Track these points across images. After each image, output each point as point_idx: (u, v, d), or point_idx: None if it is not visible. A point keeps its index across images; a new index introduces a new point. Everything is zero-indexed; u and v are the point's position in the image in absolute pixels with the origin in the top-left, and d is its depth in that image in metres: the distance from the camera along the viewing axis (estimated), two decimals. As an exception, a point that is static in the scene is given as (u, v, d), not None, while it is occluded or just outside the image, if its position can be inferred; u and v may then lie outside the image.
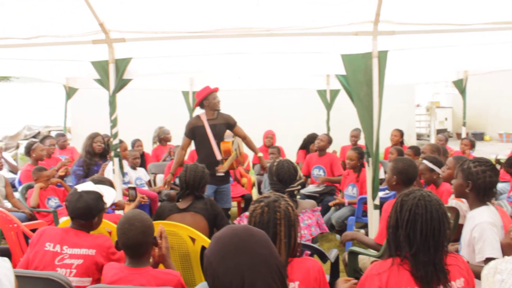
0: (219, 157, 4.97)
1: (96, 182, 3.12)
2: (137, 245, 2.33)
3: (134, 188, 4.01)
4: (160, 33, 4.21)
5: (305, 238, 3.16)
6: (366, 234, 5.42)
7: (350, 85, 4.16)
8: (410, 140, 12.49)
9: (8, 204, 5.44)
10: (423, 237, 1.94)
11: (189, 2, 3.92)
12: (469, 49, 5.00)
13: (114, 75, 4.40)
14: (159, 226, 2.61)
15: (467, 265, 2.06)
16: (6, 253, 3.86)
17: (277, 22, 4.03)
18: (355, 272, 3.49)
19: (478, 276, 2.00)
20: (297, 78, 7.79)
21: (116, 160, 4.53)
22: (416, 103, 16.32)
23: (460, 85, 7.34)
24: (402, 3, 3.84)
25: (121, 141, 4.89)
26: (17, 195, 5.52)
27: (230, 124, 5.15)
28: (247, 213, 3.49)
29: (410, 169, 3.54)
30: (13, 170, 7.56)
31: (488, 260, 2.52)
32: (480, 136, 16.66)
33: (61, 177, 5.88)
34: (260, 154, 5.36)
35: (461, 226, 3.41)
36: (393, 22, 3.90)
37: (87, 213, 2.76)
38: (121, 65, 4.39)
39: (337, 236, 5.65)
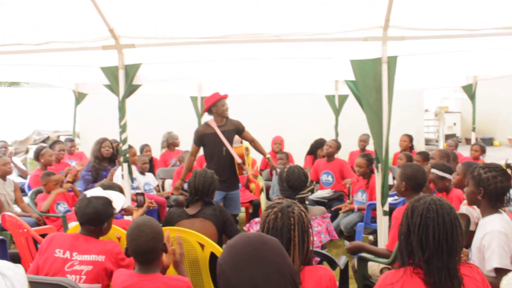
0: (239, 160, 5.04)
1: (105, 187, 3.12)
2: (147, 252, 2.33)
3: (142, 194, 4.01)
4: (169, 39, 4.22)
5: (315, 245, 3.14)
6: (375, 240, 5.41)
7: (359, 90, 4.14)
8: (418, 146, 12.42)
9: (17, 209, 5.47)
10: (436, 242, 1.91)
11: (198, 8, 3.93)
12: (479, 54, 4.98)
13: (123, 81, 4.42)
14: (175, 233, 2.61)
15: (483, 276, 2.02)
16: (16, 258, 3.88)
17: (286, 27, 4.03)
18: (364, 279, 3.47)
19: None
20: (305, 83, 7.78)
21: (125, 165, 4.54)
22: (424, 108, 16.23)
23: (470, 90, 7.28)
24: (412, 8, 3.82)
25: (130, 146, 4.89)
26: (26, 199, 5.55)
27: (239, 130, 5.19)
28: (256, 219, 3.50)
29: (419, 175, 3.52)
30: (23, 174, 7.61)
31: (497, 270, 2.50)
32: (489, 141, 16.53)
33: (70, 182, 5.90)
34: (268, 155, 5.40)
35: (472, 233, 3.40)
36: (402, 28, 3.88)
37: (96, 218, 2.76)
38: (131, 71, 4.41)
39: (346, 242, 5.62)
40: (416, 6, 3.80)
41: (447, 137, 15.38)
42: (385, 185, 4.07)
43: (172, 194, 6.50)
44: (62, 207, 5.32)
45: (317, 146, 7.39)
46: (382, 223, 4.08)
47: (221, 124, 5.09)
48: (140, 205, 3.98)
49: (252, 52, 4.50)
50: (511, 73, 6.64)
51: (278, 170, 4.43)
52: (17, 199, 5.52)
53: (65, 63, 4.93)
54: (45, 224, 5.07)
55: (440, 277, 1.89)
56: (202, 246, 3.15)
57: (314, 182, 6.41)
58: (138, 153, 6.88)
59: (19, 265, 1.35)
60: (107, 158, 5.61)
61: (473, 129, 7.61)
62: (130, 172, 4.61)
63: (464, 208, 3.59)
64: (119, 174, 4.82)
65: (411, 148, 7.29)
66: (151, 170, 6.91)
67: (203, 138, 5.08)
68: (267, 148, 7.55)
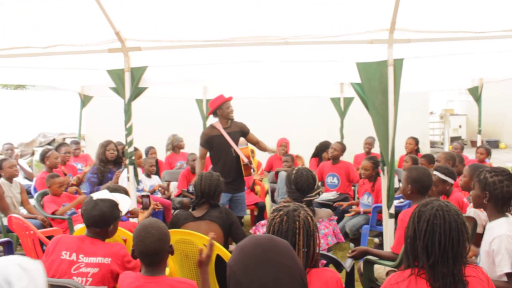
0: (245, 160, 5.05)
1: (111, 190, 3.13)
2: (154, 253, 2.33)
3: (147, 196, 4.03)
4: (175, 41, 4.23)
5: (322, 247, 3.14)
6: (381, 242, 5.39)
7: (365, 93, 4.13)
8: (424, 148, 12.39)
9: (23, 211, 5.50)
10: (442, 248, 1.91)
11: (204, 11, 3.93)
12: (485, 56, 4.96)
13: (129, 84, 4.43)
14: (209, 236, 2.64)
15: (488, 277, 2.02)
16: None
17: (292, 30, 4.03)
18: (370, 281, 3.46)
19: None
20: (310, 86, 7.79)
21: (131, 167, 4.55)
22: (429, 111, 16.18)
23: (476, 93, 7.26)
24: (418, 11, 3.82)
25: (135, 149, 4.91)
26: (32, 201, 5.58)
27: (244, 132, 5.22)
28: (262, 222, 3.50)
29: (425, 177, 3.50)
30: (29, 177, 7.64)
31: (509, 275, 2.48)
32: (495, 144, 16.46)
33: (75, 185, 5.93)
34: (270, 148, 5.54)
35: (479, 235, 3.39)
36: (408, 30, 3.87)
37: (102, 221, 2.77)
38: (137, 73, 4.42)
39: (351, 244, 5.61)
40: (422, 8, 3.79)
41: (453, 139, 15.31)
42: (391, 188, 4.06)
43: (177, 196, 6.52)
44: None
45: (322, 148, 7.38)
46: (388, 225, 4.07)
47: (226, 126, 5.11)
48: (145, 207, 4.00)
49: (257, 54, 4.50)
50: (517, 75, 6.62)
51: (285, 172, 4.43)
52: (23, 201, 5.54)
53: (72, 66, 4.96)
54: (51, 226, 5.09)
55: (445, 283, 1.89)
56: (208, 248, 3.14)
57: (320, 184, 6.41)
58: (144, 155, 6.90)
59: (39, 260, 1.42)
60: (111, 160, 5.62)
61: (479, 132, 7.58)
62: (135, 175, 4.62)
63: (471, 210, 3.57)
64: (124, 177, 4.84)
65: (417, 151, 7.28)
66: (157, 172, 6.92)
67: (211, 140, 5.10)
68: (272, 151, 7.57)
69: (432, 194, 3.86)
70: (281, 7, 3.82)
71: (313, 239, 2.12)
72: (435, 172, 4.10)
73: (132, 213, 3.91)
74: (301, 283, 1.39)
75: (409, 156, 6.26)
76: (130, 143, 4.52)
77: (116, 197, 2.90)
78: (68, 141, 9.55)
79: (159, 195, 6.35)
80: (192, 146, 7.90)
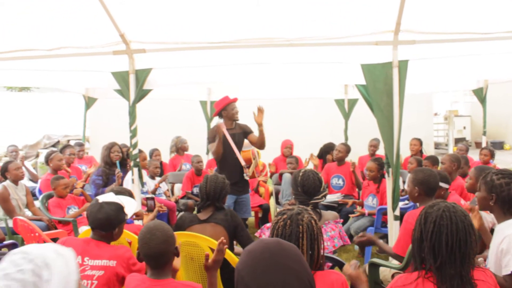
0: (243, 163, 5.03)
1: (116, 192, 3.13)
2: (159, 255, 2.32)
3: (152, 199, 4.02)
4: (180, 43, 4.24)
5: (328, 250, 3.13)
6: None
7: (370, 95, 4.13)
8: (428, 149, 12.33)
9: (28, 213, 5.51)
10: (449, 249, 1.90)
11: (209, 13, 3.94)
12: (490, 57, 4.94)
13: (134, 86, 4.44)
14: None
15: (496, 281, 2.01)
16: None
17: (297, 32, 4.03)
18: (376, 284, 3.45)
19: None
20: (314, 87, 7.78)
21: (135, 170, 4.55)
22: (434, 112, 16.14)
23: (480, 94, 7.25)
24: (423, 12, 3.81)
25: (140, 151, 4.92)
26: (37, 203, 5.59)
27: (246, 132, 5.21)
28: (268, 225, 3.49)
29: (431, 179, 3.47)
30: (33, 179, 7.66)
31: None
32: (499, 145, 16.40)
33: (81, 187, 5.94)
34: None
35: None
36: (413, 32, 3.87)
37: (107, 224, 2.77)
38: (141, 75, 4.43)
39: (356, 247, 5.60)
40: (427, 10, 3.79)
41: (457, 141, 15.27)
42: (396, 190, 4.05)
43: (181, 198, 6.52)
44: (73, 211, 5.35)
45: (327, 150, 7.37)
46: (393, 227, 4.06)
47: (230, 127, 5.10)
48: (150, 209, 3.99)
49: (262, 56, 4.50)
50: (522, 76, 6.61)
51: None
52: (28, 203, 5.56)
53: (76, 68, 4.97)
54: (55, 228, 5.10)
55: (453, 285, 1.88)
56: (213, 251, 3.14)
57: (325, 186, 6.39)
58: (148, 157, 6.90)
59: (71, 248, 1.55)
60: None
61: (484, 133, 7.56)
62: (140, 177, 4.62)
63: (478, 212, 3.55)
64: (129, 179, 4.84)
65: (420, 152, 7.26)
66: (161, 174, 6.93)
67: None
68: (277, 152, 7.57)
69: (439, 197, 3.84)
70: (285, 9, 3.82)
71: (317, 242, 2.11)
72: None
73: (137, 215, 3.90)
74: (310, 287, 1.39)
75: (413, 157, 6.23)
76: (134, 145, 4.53)
77: (122, 200, 2.90)
78: (72, 143, 9.57)
79: (163, 197, 6.35)
80: (196, 148, 7.92)
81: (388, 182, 4.16)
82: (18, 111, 16.51)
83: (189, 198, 6.44)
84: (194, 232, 3.25)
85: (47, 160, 6.28)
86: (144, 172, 5.49)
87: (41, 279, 1.34)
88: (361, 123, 8.24)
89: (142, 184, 4.75)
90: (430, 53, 4.27)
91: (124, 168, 5.61)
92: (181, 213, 5.48)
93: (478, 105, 7.54)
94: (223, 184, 3.54)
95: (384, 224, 5.03)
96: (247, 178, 5.01)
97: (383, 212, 4.96)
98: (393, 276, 3.34)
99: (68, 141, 13.28)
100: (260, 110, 4.98)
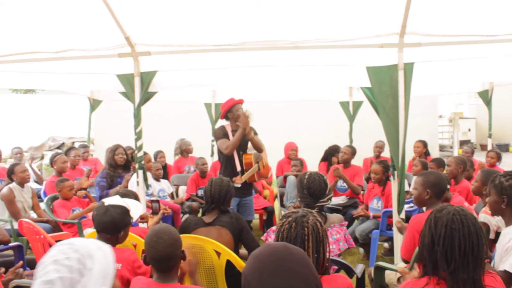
0: (238, 168, 4.97)
1: (121, 195, 3.13)
2: (166, 258, 2.32)
3: (157, 201, 4.02)
4: (185, 46, 4.23)
5: (334, 253, 3.12)
6: (391, 247, 5.36)
7: (375, 97, 4.11)
8: (433, 152, 12.28)
9: (33, 215, 5.52)
10: (462, 253, 1.86)
11: (214, 16, 3.94)
12: (496, 60, 4.92)
13: (139, 88, 4.44)
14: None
15: (504, 286, 1.99)
16: (32, 263, 3.90)
17: (302, 34, 4.02)
18: (381, 287, 3.43)
19: None
20: (319, 90, 7.76)
21: (140, 172, 4.55)
22: (439, 114, 16.09)
23: (486, 96, 7.20)
24: (428, 14, 3.79)
25: (145, 153, 4.92)
26: (42, 205, 5.60)
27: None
28: (273, 228, 3.48)
29: (442, 181, 3.41)
30: (38, 180, 7.68)
31: (506, 272, 2.43)
32: (505, 147, 16.31)
33: (84, 189, 5.94)
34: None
35: (490, 241, 3.35)
36: (419, 34, 3.85)
37: (113, 227, 2.77)
38: (147, 78, 4.43)
39: (360, 249, 5.58)
40: (433, 12, 3.77)
41: (462, 143, 15.23)
42: (401, 193, 4.03)
43: (186, 200, 6.52)
44: (78, 213, 5.36)
45: (331, 152, 7.35)
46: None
47: (235, 129, 5.08)
48: (155, 212, 3.98)
49: (267, 59, 4.49)
50: (528, 78, 6.57)
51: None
52: (34, 205, 5.57)
53: (81, 70, 4.98)
54: (60, 230, 5.10)
55: None
56: (218, 254, 3.14)
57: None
58: (153, 159, 6.91)
59: (109, 245, 1.74)
60: (121, 165, 5.63)
61: (489, 136, 7.51)
62: (145, 179, 4.62)
63: (482, 216, 3.53)
64: (134, 181, 4.84)
65: (426, 154, 7.23)
66: (165, 176, 6.94)
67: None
68: (281, 155, 7.57)
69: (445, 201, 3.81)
70: (290, 11, 3.81)
71: (322, 245, 2.10)
72: None
73: (142, 218, 3.90)
74: None
75: (419, 160, 6.20)
76: (140, 148, 4.52)
77: (128, 203, 2.90)
78: (77, 145, 9.61)
79: (168, 199, 6.35)
80: (201, 150, 7.92)
81: (394, 184, 4.14)
82: (23, 113, 16.57)
83: (194, 200, 6.44)
84: (199, 235, 3.25)
85: (52, 162, 6.30)
86: (149, 175, 5.49)
87: (85, 267, 1.50)
88: (366, 125, 8.24)
89: (147, 186, 4.75)
90: (435, 56, 4.25)
91: (128, 170, 5.62)
92: (186, 216, 5.47)
93: (483, 107, 7.49)
94: (228, 187, 3.54)
95: (390, 227, 5.01)
96: (238, 185, 4.76)
97: (389, 215, 4.94)
98: (399, 280, 3.33)
99: (73, 143, 13.34)
100: (244, 115, 4.82)
